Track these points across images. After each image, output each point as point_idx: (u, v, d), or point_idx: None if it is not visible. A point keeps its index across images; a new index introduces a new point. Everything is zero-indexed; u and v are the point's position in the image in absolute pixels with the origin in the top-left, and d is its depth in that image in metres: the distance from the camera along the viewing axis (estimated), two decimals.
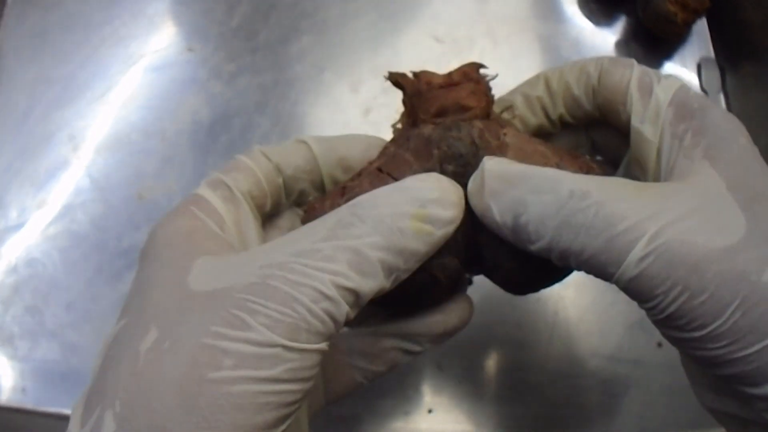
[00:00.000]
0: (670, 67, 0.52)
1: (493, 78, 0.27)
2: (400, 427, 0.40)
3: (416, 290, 0.24)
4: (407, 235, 0.21)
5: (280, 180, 0.26)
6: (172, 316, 0.20)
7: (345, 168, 0.27)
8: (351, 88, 0.50)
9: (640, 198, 0.21)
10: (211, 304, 0.20)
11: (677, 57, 0.52)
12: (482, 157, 0.24)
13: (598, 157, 0.28)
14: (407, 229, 0.21)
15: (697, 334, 0.20)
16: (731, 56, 0.51)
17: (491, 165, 0.22)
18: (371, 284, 0.20)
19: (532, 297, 0.43)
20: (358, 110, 0.49)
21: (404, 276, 0.22)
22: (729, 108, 0.50)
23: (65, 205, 0.46)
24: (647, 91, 0.24)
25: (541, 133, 0.28)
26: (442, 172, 0.24)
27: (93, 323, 0.43)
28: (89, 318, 0.43)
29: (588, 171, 0.24)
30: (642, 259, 0.20)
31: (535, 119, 0.27)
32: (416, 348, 0.26)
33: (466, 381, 0.41)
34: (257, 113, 0.49)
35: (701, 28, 0.53)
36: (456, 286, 0.26)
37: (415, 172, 0.24)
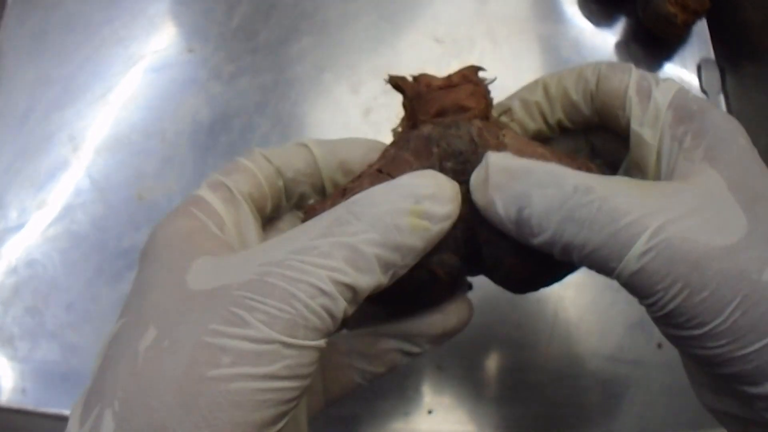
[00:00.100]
0: (670, 68, 0.52)
1: (492, 81, 0.27)
2: (400, 427, 0.40)
3: (415, 287, 0.24)
4: (404, 232, 0.21)
5: (281, 183, 0.26)
6: (171, 316, 0.20)
7: (345, 171, 0.27)
8: (351, 89, 0.50)
9: (642, 195, 0.21)
10: (209, 302, 0.20)
11: (677, 58, 0.52)
12: (481, 155, 0.24)
13: (598, 161, 0.29)
14: (404, 225, 0.21)
15: (696, 332, 0.20)
16: (731, 57, 0.51)
17: (495, 159, 0.23)
18: (368, 280, 0.20)
19: (532, 298, 0.43)
20: (358, 111, 0.49)
21: (402, 272, 0.22)
22: (729, 109, 0.50)
23: (65, 206, 0.46)
24: (646, 94, 0.24)
25: (539, 138, 0.28)
26: (442, 169, 0.24)
27: (93, 324, 0.43)
28: (89, 319, 0.43)
29: (587, 171, 0.24)
30: (644, 254, 0.20)
31: (534, 124, 0.27)
32: (415, 349, 0.26)
33: (466, 381, 0.41)
34: (257, 114, 0.49)
35: (701, 28, 0.53)
36: (456, 285, 0.26)
37: (414, 171, 0.24)
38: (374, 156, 0.27)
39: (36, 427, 0.41)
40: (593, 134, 0.28)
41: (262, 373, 0.19)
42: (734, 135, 0.23)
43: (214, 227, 0.23)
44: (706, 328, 0.20)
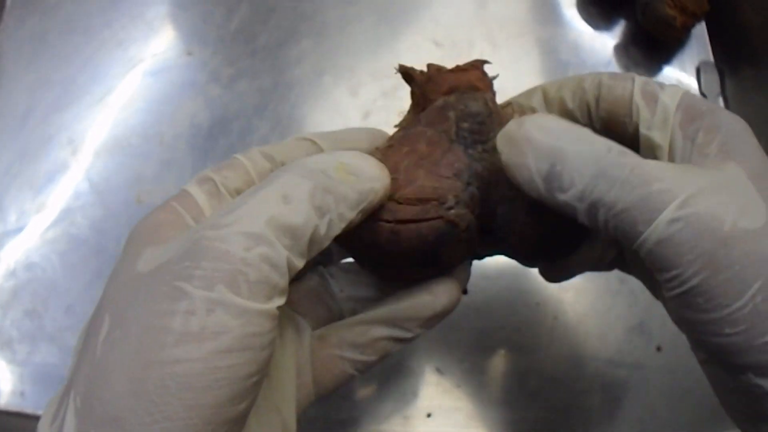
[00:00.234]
0: (669, 71, 0.52)
1: (494, 78, 0.27)
2: (399, 431, 0.40)
3: (436, 238, 0.23)
4: (333, 179, 0.21)
5: None
6: (121, 303, 0.20)
7: None
8: (350, 92, 0.50)
9: (672, 169, 0.21)
10: (153, 281, 0.19)
11: (676, 61, 0.52)
12: (496, 120, 0.25)
13: None
14: (332, 173, 0.21)
15: (715, 315, 0.20)
16: (730, 60, 0.51)
17: (533, 116, 0.23)
18: (301, 217, 0.20)
19: (531, 301, 0.43)
20: (357, 113, 0.49)
21: (341, 224, 0.22)
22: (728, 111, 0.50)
23: (64, 209, 0.46)
24: (652, 98, 0.24)
25: None
26: (458, 130, 0.25)
27: None
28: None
29: None
30: (672, 221, 0.20)
31: None
32: (406, 334, 0.26)
33: (465, 385, 0.41)
34: (256, 117, 0.49)
35: (700, 31, 0.53)
36: (470, 248, 0.25)
37: (429, 139, 0.25)
38: (380, 143, 0.27)
39: (34, 430, 0.41)
40: None
41: (208, 349, 0.18)
42: (746, 133, 0.23)
43: (190, 219, 0.23)
44: (726, 311, 0.19)
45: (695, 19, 0.49)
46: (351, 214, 0.22)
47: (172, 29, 0.53)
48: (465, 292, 0.28)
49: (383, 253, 0.24)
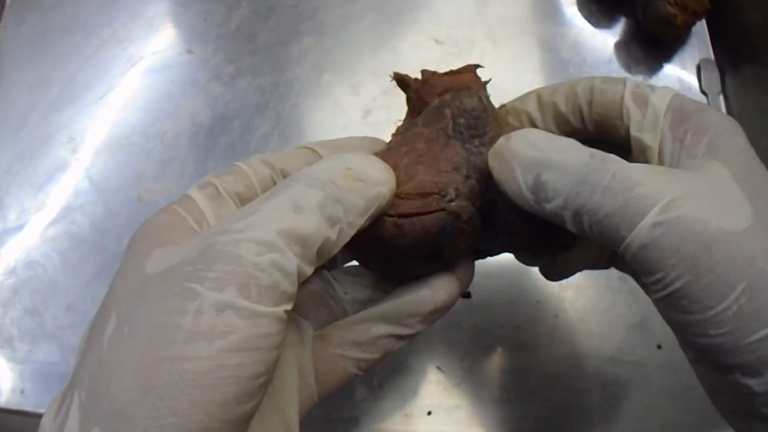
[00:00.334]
0: (669, 69, 0.52)
1: (487, 82, 0.28)
2: (400, 429, 0.40)
3: (438, 229, 0.24)
4: (341, 188, 0.22)
5: None
6: (130, 302, 0.20)
7: None
8: (351, 90, 0.50)
9: (655, 172, 0.21)
10: (163, 282, 0.20)
11: (677, 59, 0.52)
12: (491, 116, 0.25)
13: None
14: (340, 183, 0.22)
15: (699, 316, 0.20)
16: (731, 58, 0.51)
17: (519, 131, 0.23)
18: (312, 227, 0.20)
19: (532, 299, 0.43)
20: (357, 112, 0.49)
21: (351, 231, 0.22)
22: (729, 110, 0.50)
23: (64, 207, 0.46)
24: (642, 101, 0.25)
25: None
26: (455, 126, 0.25)
27: None
28: (89, 320, 0.43)
29: None
30: (655, 226, 0.20)
31: None
32: (407, 331, 0.26)
33: (466, 383, 0.41)
34: (257, 115, 0.49)
35: (701, 29, 0.53)
36: (473, 242, 0.25)
37: (427, 137, 0.25)
38: (379, 150, 0.27)
39: (35, 428, 0.41)
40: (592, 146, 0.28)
41: (217, 347, 0.18)
42: (734, 132, 0.23)
43: (192, 222, 0.23)
44: (710, 313, 0.20)
45: (696, 17, 0.49)
46: (360, 221, 0.22)
47: (173, 27, 0.52)
48: (469, 296, 0.28)
49: (387, 249, 0.24)
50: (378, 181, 0.23)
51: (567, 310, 0.43)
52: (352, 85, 0.50)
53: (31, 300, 0.44)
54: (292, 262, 0.20)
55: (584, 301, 0.43)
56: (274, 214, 0.20)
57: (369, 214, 0.22)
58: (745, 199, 0.21)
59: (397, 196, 0.24)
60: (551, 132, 0.27)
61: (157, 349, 0.18)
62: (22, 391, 0.42)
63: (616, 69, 0.51)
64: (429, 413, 0.41)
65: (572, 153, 0.22)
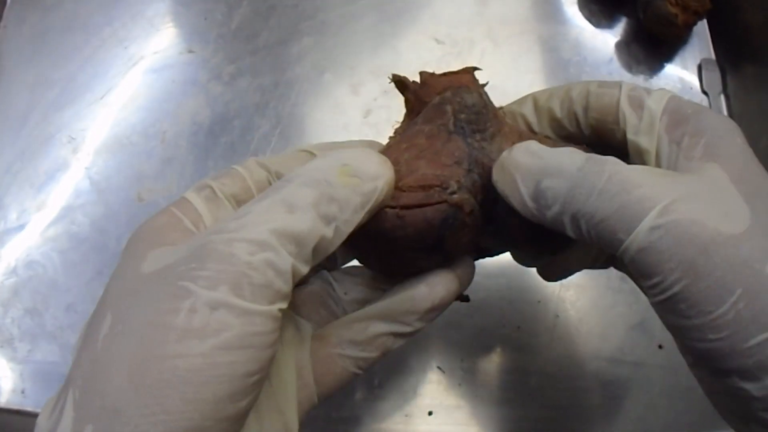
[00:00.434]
0: (670, 69, 0.51)
1: (485, 85, 0.27)
2: (400, 429, 0.40)
3: (440, 221, 0.24)
4: (336, 186, 0.21)
5: None
6: (125, 301, 0.20)
7: None
8: (351, 90, 0.50)
9: (652, 175, 0.21)
10: (157, 281, 0.20)
11: (678, 58, 0.52)
12: (491, 111, 0.26)
13: None
14: (335, 181, 0.21)
15: (697, 321, 0.20)
16: (732, 57, 0.51)
17: (520, 144, 0.24)
18: (306, 226, 0.20)
19: (533, 299, 0.43)
20: (358, 112, 0.49)
21: (348, 228, 0.22)
22: (730, 109, 0.50)
23: (65, 207, 0.46)
24: (638, 104, 0.25)
25: None
26: (456, 121, 0.25)
27: None
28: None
29: None
30: (653, 229, 0.20)
31: None
32: (405, 329, 0.25)
33: (467, 383, 0.41)
34: (257, 115, 0.49)
35: (702, 29, 0.53)
36: (474, 235, 0.25)
37: (428, 133, 0.25)
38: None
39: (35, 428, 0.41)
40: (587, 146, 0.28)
41: (209, 345, 0.18)
42: (732, 134, 0.23)
43: (189, 223, 0.23)
44: (708, 317, 0.19)
45: (697, 16, 0.49)
46: (357, 218, 0.22)
47: (173, 27, 0.52)
48: (467, 299, 0.28)
49: (388, 241, 0.24)
50: (374, 175, 0.22)
51: (567, 310, 0.43)
52: (353, 85, 0.50)
53: (31, 300, 0.44)
54: (286, 261, 0.20)
55: (585, 301, 0.43)
56: (268, 215, 0.20)
57: (366, 209, 0.22)
58: (743, 201, 0.21)
59: (399, 188, 0.24)
60: (548, 137, 0.27)
61: (149, 347, 0.18)
62: (22, 391, 0.42)
63: (617, 69, 0.51)
64: (429, 413, 0.41)
65: (569, 158, 0.22)
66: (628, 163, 0.25)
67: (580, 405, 0.41)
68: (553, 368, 0.41)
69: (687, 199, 0.20)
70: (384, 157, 0.24)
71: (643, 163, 0.24)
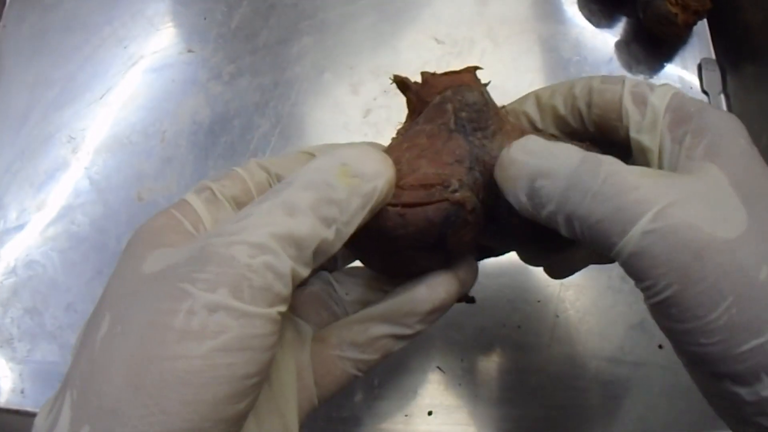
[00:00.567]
0: (670, 69, 0.51)
1: (486, 84, 0.27)
2: (400, 429, 0.40)
3: (442, 219, 0.23)
4: (336, 188, 0.21)
5: None
6: (124, 301, 0.20)
7: None
8: (351, 89, 0.50)
9: (648, 175, 0.21)
10: (157, 283, 0.20)
11: (678, 58, 0.52)
12: (492, 110, 0.25)
13: None
14: (335, 183, 0.21)
15: (689, 325, 0.20)
16: (732, 57, 0.51)
17: (519, 140, 0.23)
18: (306, 230, 0.20)
19: (533, 298, 0.43)
20: (357, 111, 0.49)
21: (349, 229, 0.22)
22: (730, 108, 0.50)
23: (64, 207, 0.46)
24: (642, 101, 0.24)
25: None
26: (457, 120, 0.25)
27: None
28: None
29: None
30: (646, 233, 0.20)
31: None
32: (406, 331, 0.25)
33: (467, 383, 0.41)
34: (257, 114, 0.49)
35: (702, 29, 0.53)
36: (476, 234, 0.25)
37: (429, 133, 0.25)
38: None
39: None
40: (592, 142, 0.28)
41: (208, 347, 0.18)
42: (734, 133, 0.23)
43: (189, 225, 0.23)
44: (700, 322, 0.19)
45: (697, 16, 0.49)
46: (358, 219, 0.22)
47: (173, 26, 0.52)
48: (473, 300, 0.28)
49: (390, 240, 0.24)
50: (374, 174, 0.22)
51: (567, 309, 0.43)
52: (352, 85, 0.50)
53: (31, 299, 0.44)
54: (286, 264, 0.20)
55: (585, 301, 0.43)
56: (268, 218, 0.20)
57: (367, 209, 0.22)
58: (741, 205, 0.21)
59: (400, 187, 0.24)
60: (552, 134, 0.27)
61: (148, 348, 0.18)
62: (22, 391, 0.42)
63: (617, 68, 0.51)
64: (429, 413, 0.41)
65: (564, 158, 0.22)
66: (631, 160, 0.25)
67: (580, 405, 0.41)
68: (553, 368, 0.41)
69: (683, 202, 0.20)
70: (384, 155, 0.23)
71: (646, 161, 0.24)
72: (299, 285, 0.22)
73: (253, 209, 0.21)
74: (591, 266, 0.30)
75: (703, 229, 0.20)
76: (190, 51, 0.51)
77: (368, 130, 0.48)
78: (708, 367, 0.20)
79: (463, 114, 0.25)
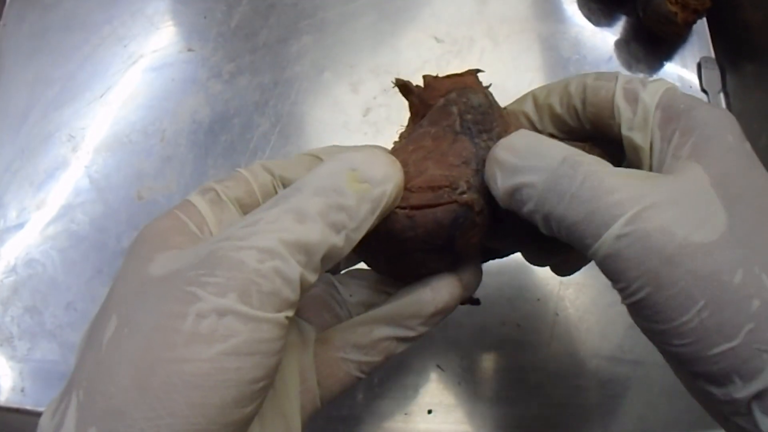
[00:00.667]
0: (670, 67, 0.51)
1: (488, 87, 0.27)
2: (400, 427, 0.40)
3: (451, 221, 0.24)
4: (345, 194, 0.21)
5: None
6: (131, 303, 0.20)
7: None
8: (351, 88, 0.50)
9: (627, 178, 0.21)
10: (165, 285, 0.20)
11: (677, 57, 0.52)
12: (497, 112, 0.26)
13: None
14: (344, 189, 0.21)
15: (662, 326, 0.20)
16: (732, 56, 0.51)
17: (506, 138, 0.24)
18: (316, 237, 0.20)
19: (532, 297, 0.43)
20: (357, 110, 0.49)
21: (358, 235, 0.22)
22: (729, 107, 0.50)
23: (64, 206, 0.46)
24: (633, 99, 0.24)
25: None
26: (462, 122, 0.25)
27: None
28: (89, 318, 0.42)
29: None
30: (619, 237, 0.20)
31: None
32: (409, 333, 0.26)
33: (466, 381, 0.41)
34: (257, 113, 0.49)
35: (701, 27, 0.53)
36: (483, 235, 0.25)
37: (434, 135, 0.25)
38: None
39: (34, 426, 0.41)
40: (593, 142, 0.28)
41: (216, 351, 0.18)
42: (722, 131, 0.23)
43: (193, 227, 0.23)
44: (672, 324, 0.20)
45: (696, 15, 0.49)
46: (367, 225, 0.22)
47: (173, 25, 0.52)
48: (478, 302, 0.28)
49: (398, 242, 0.24)
50: (382, 178, 0.22)
51: (567, 308, 0.43)
52: (352, 84, 0.50)
53: (30, 298, 0.44)
54: (295, 270, 0.20)
55: (584, 299, 0.43)
56: (278, 224, 0.20)
57: (376, 214, 0.22)
58: (721, 207, 0.21)
59: (408, 189, 0.24)
60: (551, 134, 0.27)
61: (156, 350, 0.18)
62: (22, 390, 0.42)
63: (616, 67, 0.51)
64: (429, 412, 0.41)
65: (545, 157, 0.22)
66: (626, 159, 0.25)
67: (579, 403, 0.41)
68: (553, 366, 0.41)
69: (660, 206, 0.20)
70: (392, 158, 0.23)
71: (639, 159, 0.24)
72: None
73: (261, 214, 0.21)
74: (591, 264, 0.30)
75: (677, 234, 0.20)
76: (189, 50, 0.51)
77: (368, 129, 0.48)
78: (683, 365, 0.21)
79: (469, 116, 0.25)
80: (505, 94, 0.29)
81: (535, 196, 0.22)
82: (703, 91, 0.50)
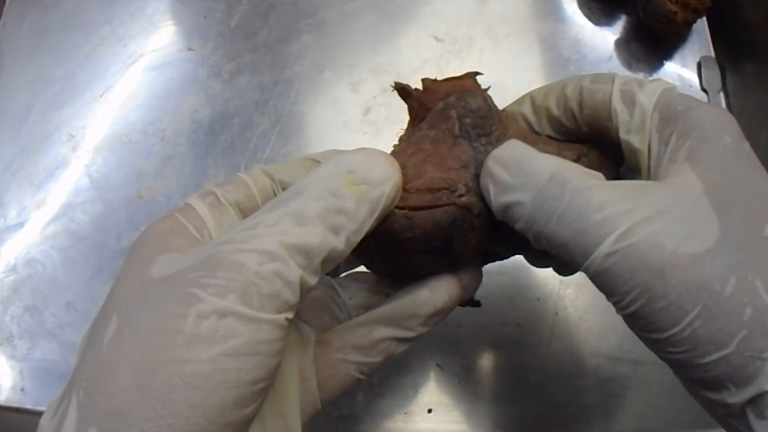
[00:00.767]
0: (670, 67, 0.51)
1: (487, 89, 0.28)
2: (400, 426, 0.40)
3: (449, 222, 0.24)
4: (344, 197, 0.22)
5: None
6: (132, 304, 0.20)
7: None
8: (351, 88, 0.50)
9: (616, 192, 0.21)
10: (166, 287, 0.20)
11: (677, 56, 0.52)
12: (496, 115, 0.26)
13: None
14: (342, 191, 0.22)
15: (657, 336, 0.20)
16: (732, 55, 0.51)
17: (498, 149, 0.24)
18: (316, 239, 0.21)
19: (532, 296, 0.43)
20: (357, 110, 0.49)
21: (356, 237, 0.22)
22: (729, 107, 0.50)
23: (64, 205, 0.46)
24: (630, 101, 0.24)
25: None
26: (461, 126, 0.25)
27: None
28: (88, 318, 0.43)
29: (579, 157, 0.25)
30: (609, 255, 0.20)
31: None
32: (408, 334, 0.26)
33: (466, 381, 0.41)
34: (257, 113, 0.49)
35: (701, 27, 0.53)
36: (482, 238, 0.25)
37: (433, 138, 0.25)
38: None
39: (34, 426, 0.41)
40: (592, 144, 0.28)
41: (217, 351, 0.18)
42: (719, 134, 0.22)
43: (193, 229, 0.24)
44: (666, 334, 0.20)
45: (696, 14, 0.49)
46: (366, 226, 0.22)
47: (173, 25, 0.52)
48: (478, 304, 0.28)
49: (397, 243, 0.24)
50: (381, 179, 0.22)
51: (567, 307, 0.43)
52: (352, 83, 0.50)
53: (30, 298, 0.44)
54: (295, 272, 0.20)
55: (584, 299, 0.43)
56: (278, 227, 0.20)
57: (375, 216, 0.22)
58: (714, 215, 0.21)
59: (407, 191, 0.24)
60: (549, 136, 0.27)
61: (157, 351, 0.18)
62: (22, 389, 0.42)
63: (616, 66, 0.51)
64: (429, 411, 0.41)
65: (532, 177, 0.22)
66: (625, 162, 0.25)
67: (579, 403, 0.41)
68: (553, 366, 0.41)
69: (650, 219, 0.20)
70: (390, 158, 0.24)
71: (637, 162, 0.24)
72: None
73: (261, 217, 0.21)
74: None
75: (667, 246, 0.20)
76: (189, 49, 0.51)
77: (368, 128, 0.48)
78: (679, 371, 0.21)
79: (467, 120, 0.25)
80: (505, 94, 0.29)
81: (525, 215, 0.22)
82: (703, 90, 0.50)
